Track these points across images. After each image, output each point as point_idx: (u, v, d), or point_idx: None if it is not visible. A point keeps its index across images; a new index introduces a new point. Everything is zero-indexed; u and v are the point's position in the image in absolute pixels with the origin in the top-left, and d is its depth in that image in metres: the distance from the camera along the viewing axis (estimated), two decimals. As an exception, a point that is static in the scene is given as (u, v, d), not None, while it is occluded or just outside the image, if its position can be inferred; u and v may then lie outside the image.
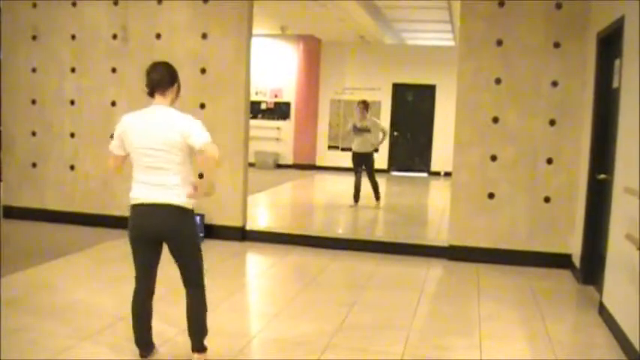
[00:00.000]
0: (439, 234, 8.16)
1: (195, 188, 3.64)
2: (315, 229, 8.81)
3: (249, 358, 4.22)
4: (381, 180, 10.53)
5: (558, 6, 6.55)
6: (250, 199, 8.00)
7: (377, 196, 10.32)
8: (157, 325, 3.96)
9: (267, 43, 15.83)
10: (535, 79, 6.68)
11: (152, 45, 7.52)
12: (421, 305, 5.39)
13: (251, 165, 8.91)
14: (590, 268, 5.93)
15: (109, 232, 7.33)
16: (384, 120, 15.41)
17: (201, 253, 3.82)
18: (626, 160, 4.73)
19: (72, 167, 7.97)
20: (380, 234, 8.98)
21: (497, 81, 6.76)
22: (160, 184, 3.59)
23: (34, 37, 7.96)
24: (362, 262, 6.87)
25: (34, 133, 8.06)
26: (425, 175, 16.26)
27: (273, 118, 16.69)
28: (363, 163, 10.29)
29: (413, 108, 16.50)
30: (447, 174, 12.47)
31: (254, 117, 14.91)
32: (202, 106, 7.34)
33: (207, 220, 7.33)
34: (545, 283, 6.19)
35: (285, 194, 13.19)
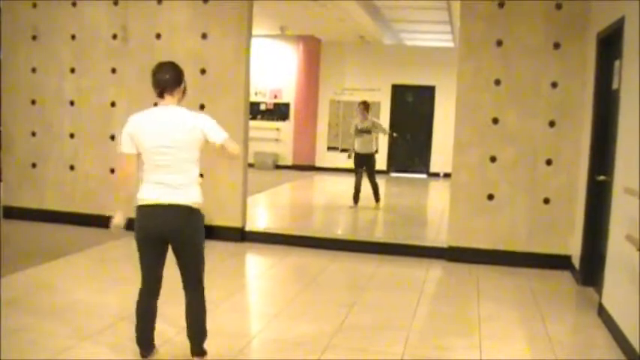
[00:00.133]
0: (438, 235, 8.17)
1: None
2: (315, 230, 8.80)
3: (249, 358, 4.22)
4: (380, 181, 10.53)
5: (558, 6, 6.55)
6: (249, 199, 8.00)
7: (376, 198, 10.32)
8: (156, 324, 3.96)
9: (266, 44, 15.82)
10: (535, 79, 6.69)
11: (152, 45, 7.52)
12: (421, 306, 5.39)
13: (250, 166, 8.91)
14: (590, 270, 5.94)
15: (108, 232, 7.28)
16: (384, 121, 15.40)
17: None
18: (626, 161, 4.73)
19: (72, 167, 7.97)
20: (379, 235, 8.99)
21: (497, 82, 6.76)
22: (170, 184, 3.59)
23: (34, 37, 7.96)
24: (361, 263, 6.87)
25: (33, 134, 8.06)
26: (424, 176, 16.26)
27: (272, 119, 16.67)
28: (364, 163, 10.29)
29: (412, 109, 16.50)
30: (447, 175, 12.48)
31: (253, 118, 14.90)
32: (202, 106, 7.34)
33: (207, 221, 7.12)
34: (544, 284, 6.20)
35: (285, 195, 13.20)
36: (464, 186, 6.94)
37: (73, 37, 7.84)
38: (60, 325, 4.47)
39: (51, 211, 8.00)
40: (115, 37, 7.69)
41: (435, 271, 6.69)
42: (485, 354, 4.29)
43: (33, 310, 4.74)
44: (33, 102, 8.03)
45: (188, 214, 3.65)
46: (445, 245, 7.07)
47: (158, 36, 7.53)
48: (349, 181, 10.51)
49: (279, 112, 16.65)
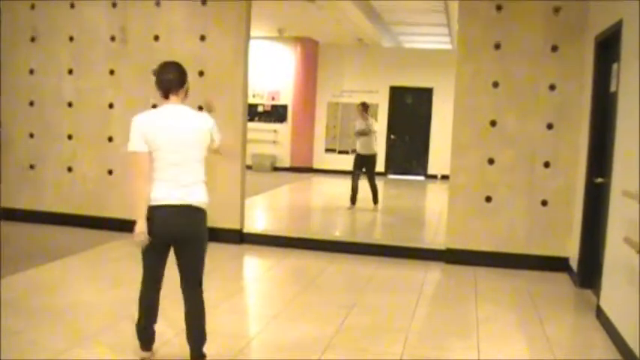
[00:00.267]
0: (436, 237, 8.18)
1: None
2: (313, 232, 8.80)
3: (248, 359, 4.22)
4: (378, 183, 10.52)
5: (556, 10, 6.57)
6: (248, 201, 8.00)
7: (375, 200, 10.32)
8: (156, 326, 3.96)
9: (264, 46, 15.80)
10: (533, 82, 6.70)
11: (150, 47, 7.51)
12: (419, 308, 5.40)
13: (248, 168, 8.91)
14: (588, 272, 5.95)
15: (107, 234, 7.33)
16: (382, 123, 15.45)
17: None
18: (624, 164, 4.75)
19: (69, 169, 7.96)
20: (378, 237, 9.00)
21: (495, 84, 6.78)
22: (182, 182, 3.60)
23: (32, 39, 7.96)
24: (360, 265, 6.88)
25: (31, 135, 8.05)
26: (422, 178, 16.28)
27: (270, 121, 16.67)
28: (364, 165, 10.30)
29: (410, 111, 16.52)
30: (444, 177, 12.52)
31: (251, 119, 14.88)
32: (200, 108, 7.31)
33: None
34: (542, 286, 6.21)
35: (283, 197, 13.20)
36: (462, 188, 6.95)
37: (72, 38, 7.84)
38: (59, 326, 4.47)
39: (49, 212, 7.99)
40: (113, 38, 7.69)
41: (433, 273, 6.69)
42: (484, 355, 4.30)
43: (32, 312, 4.74)
44: (31, 103, 8.02)
45: (198, 214, 3.67)
46: (443, 247, 7.08)
47: (156, 38, 7.53)
48: (347, 183, 10.51)
49: (276, 113, 16.66)
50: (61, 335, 4.30)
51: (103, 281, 5.74)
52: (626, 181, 4.54)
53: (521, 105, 6.75)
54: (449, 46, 15.89)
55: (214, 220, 7.37)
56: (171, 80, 3.66)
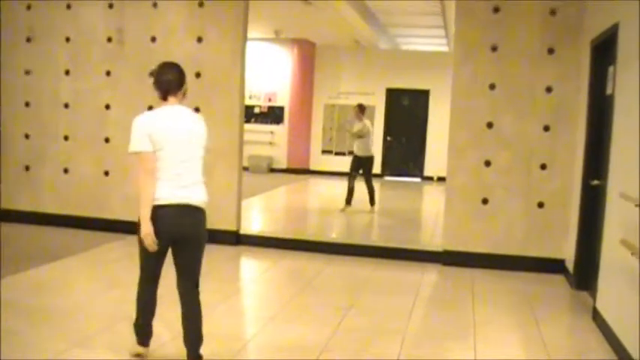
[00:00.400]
0: (433, 239, 8.18)
1: None
2: (310, 234, 8.80)
3: (244, 361, 4.23)
4: (374, 184, 10.53)
5: (553, 12, 6.59)
6: (244, 203, 8.00)
7: (372, 202, 10.33)
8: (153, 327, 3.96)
9: (261, 47, 15.82)
10: (529, 84, 6.72)
11: (147, 48, 7.50)
12: (416, 309, 5.40)
13: (244, 169, 8.90)
14: (584, 274, 5.95)
15: (104, 235, 7.31)
16: (378, 125, 15.48)
17: None
18: (620, 166, 4.76)
19: (66, 170, 7.94)
20: (375, 238, 9.00)
21: (492, 86, 6.79)
22: (185, 181, 3.61)
23: (28, 40, 7.94)
24: (357, 267, 6.88)
25: (27, 136, 8.03)
26: (418, 180, 16.29)
27: (267, 123, 16.67)
28: (361, 166, 10.30)
29: (407, 113, 16.54)
30: (441, 179, 12.53)
31: (247, 121, 14.72)
32: (197, 109, 7.33)
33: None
34: (539, 288, 6.22)
35: (279, 198, 13.19)
36: (459, 190, 6.96)
37: (68, 39, 7.82)
38: (57, 327, 4.46)
39: (46, 213, 7.97)
40: (110, 40, 7.68)
41: (430, 274, 6.70)
42: (480, 357, 4.30)
43: (30, 313, 4.73)
44: (27, 104, 8.00)
45: (200, 214, 3.69)
46: (440, 249, 7.08)
47: (153, 39, 7.52)
48: (344, 184, 10.51)
49: (273, 115, 16.66)
50: (59, 336, 4.29)
51: (101, 282, 5.73)
52: (623, 184, 4.56)
53: (517, 107, 6.76)
54: (445, 48, 15.93)
55: (211, 222, 7.34)
56: (170, 81, 3.67)
